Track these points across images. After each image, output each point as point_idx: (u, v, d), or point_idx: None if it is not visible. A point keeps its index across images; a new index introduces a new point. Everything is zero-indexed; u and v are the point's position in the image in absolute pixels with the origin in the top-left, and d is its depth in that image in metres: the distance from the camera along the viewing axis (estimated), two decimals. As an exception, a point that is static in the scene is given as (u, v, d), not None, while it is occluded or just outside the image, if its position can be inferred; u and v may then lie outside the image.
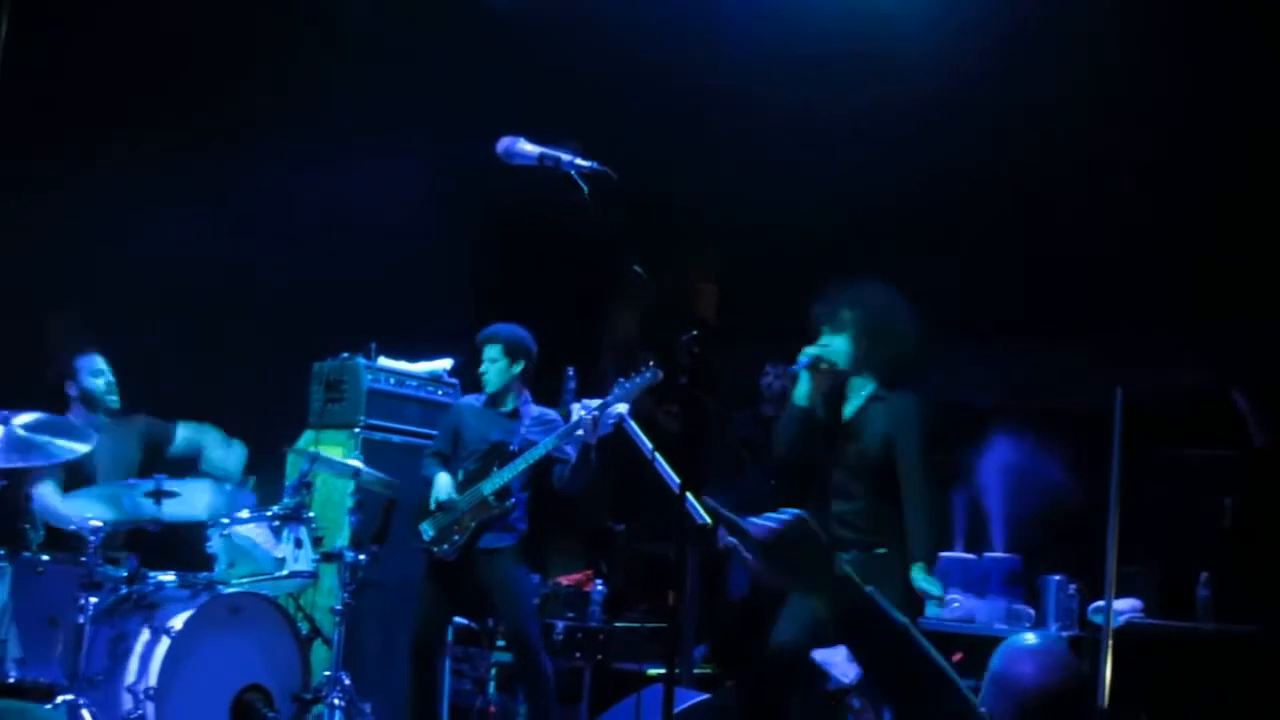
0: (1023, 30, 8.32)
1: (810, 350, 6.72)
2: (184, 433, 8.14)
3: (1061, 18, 8.19)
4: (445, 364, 9.23)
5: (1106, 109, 8.51)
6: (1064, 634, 7.31)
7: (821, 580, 2.74)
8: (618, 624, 8.65)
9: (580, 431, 7.28)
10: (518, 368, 7.75)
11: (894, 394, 6.77)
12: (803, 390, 6.78)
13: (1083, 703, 3.25)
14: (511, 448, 7.53)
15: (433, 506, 7.57)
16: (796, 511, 2.76)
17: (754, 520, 2.77)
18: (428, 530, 7.56)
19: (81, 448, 6.98)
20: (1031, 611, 7.50)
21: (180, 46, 8.72)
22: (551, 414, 7.77)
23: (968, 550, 8.08)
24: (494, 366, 7.74)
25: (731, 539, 2.80)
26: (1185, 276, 8.46)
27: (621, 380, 7.26)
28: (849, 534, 6.76)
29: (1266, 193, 8.10)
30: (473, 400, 8.00)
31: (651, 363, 7.24)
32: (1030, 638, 3.27)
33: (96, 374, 7.83)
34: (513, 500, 7.51)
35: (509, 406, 7.76)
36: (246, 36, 9.03)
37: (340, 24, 9.42)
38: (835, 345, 6.81)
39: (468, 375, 8.62)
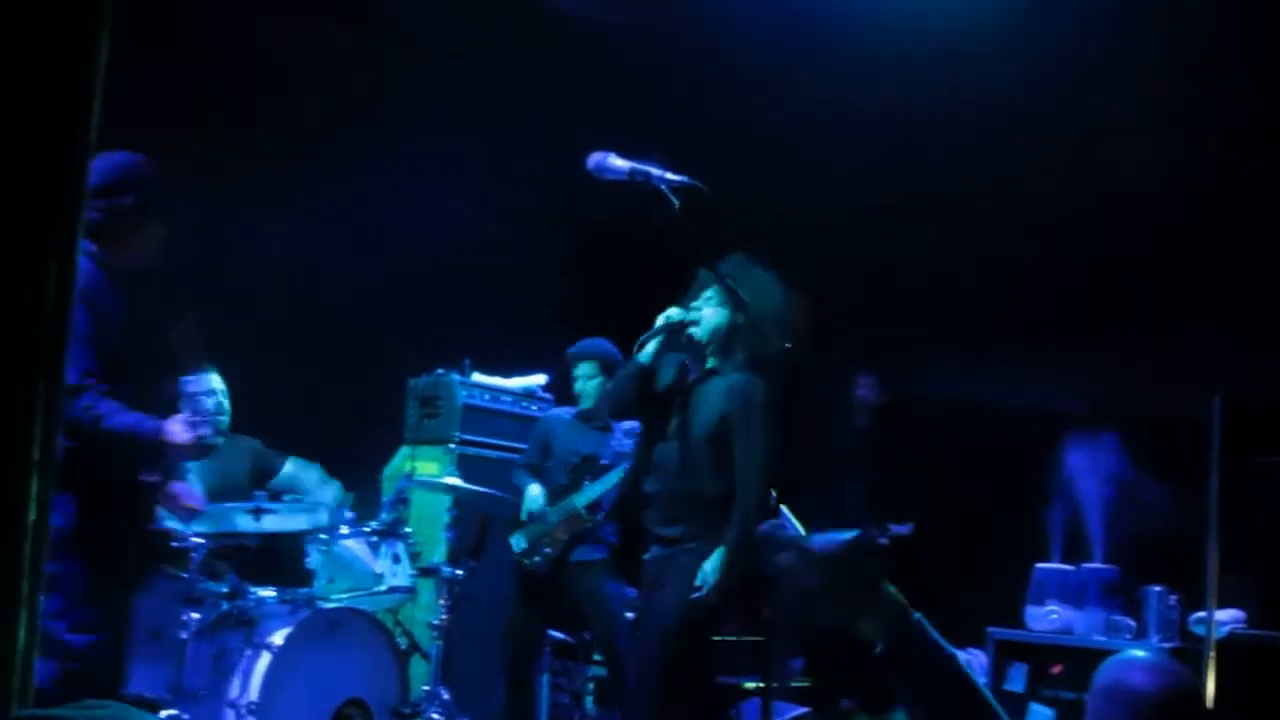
0: (1104, 26, 8.26)
1: (674, 313, 6.20)
2: (290, 468, 8.09)
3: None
4: (539, 379, 9.27)
5: (1188, 111, 8.42)
6: (1165, 645, 7.24)
7: (874, 602, 2.75)
8: (714, 638, 8.62)
9: None
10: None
11: (736, 374, 6.17)
12: (649, 351, 6.20)
13: (1198, 709, 3.26)
14: (603, 460, 7.55)
15: (524, 518, 7.61)
16: (856, 531, 2.76)
17: (818, 536, 2.77)
18: (519, 542, 7.60)
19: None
20: (1132, 623, 7.42)
21: (279, 67, 8.81)
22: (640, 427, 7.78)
23: (1065, 561, 8.01)
24: (590, 384, 7.78)
25: (786, 558, 2.77)
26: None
27: None
28: (651, 517, 6.22)
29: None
30: (563, 413, 8.04)
31: None
32: (1140, 652, 3.29)
33: (208, 394, 7.81)
34: (604, 514, 7.53)
35: (600, 422, 7.78)
36: (344, 57, 9.11)
37: (434, 43, 9.48)
38: (705, 316, 6.23)
39: (561, 390, 8.65)
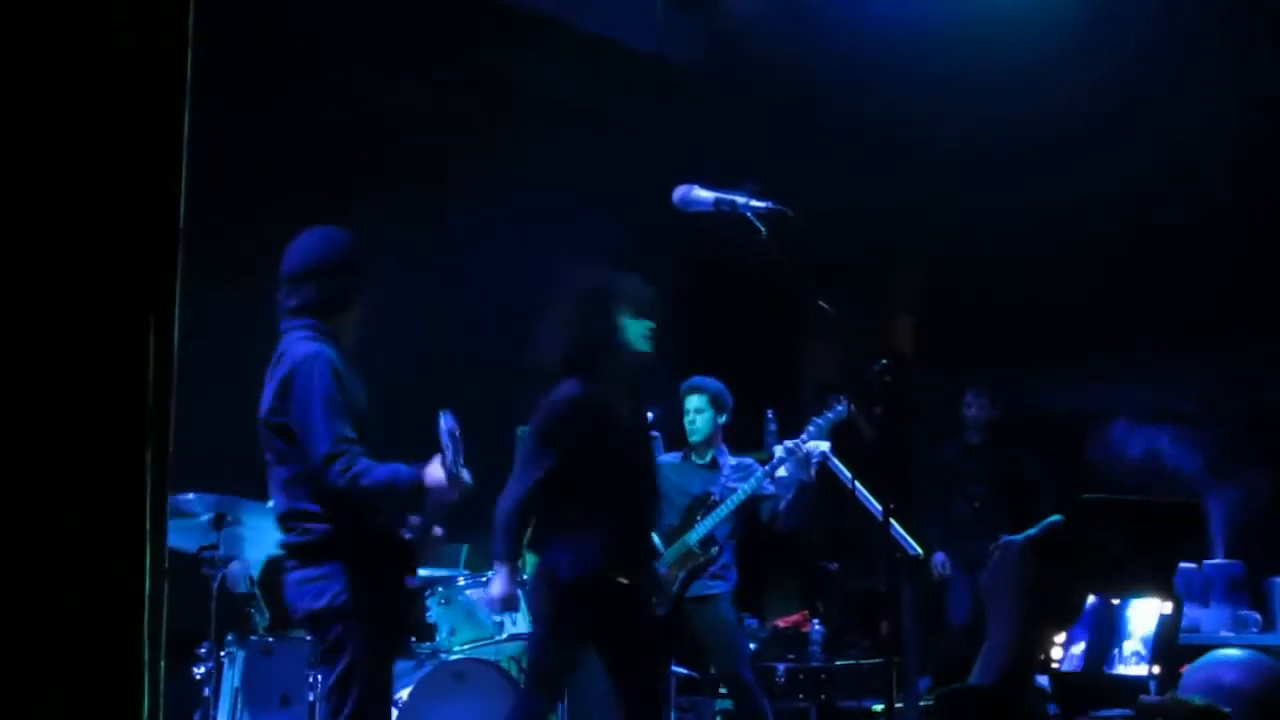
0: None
1: None
2: None
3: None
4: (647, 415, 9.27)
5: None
6: (1293, 636, 7.15)
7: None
8: (838, 662, 8.61)
9: (783, 471, 7.33)
10: (722, 419, 7.84)
11: None
12: None
13: None
14: (714, 497, 7.58)
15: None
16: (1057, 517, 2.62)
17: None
18: None
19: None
20: (1258, 616, 7.33)
21: (377, 120, 8.94)
22: (748, 461, 7.80)
23: (1188, 559, 7.92)
24: (701, 416, 7.81)
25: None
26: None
27: (815, 419, 7.30)
28: None
29: None
30: (671, 458, 8.09)
31: (841, 398, 7.25)
32: (1233, 650, 3.19)
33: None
34: (718, 548, 7.55)
35: (707, 459, 7.82)
36: (439, 108, 9.24)
37: (528, 90, 9.59)
38: None
39: (669, 427, 8.66)
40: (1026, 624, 2.22)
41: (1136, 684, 2.63)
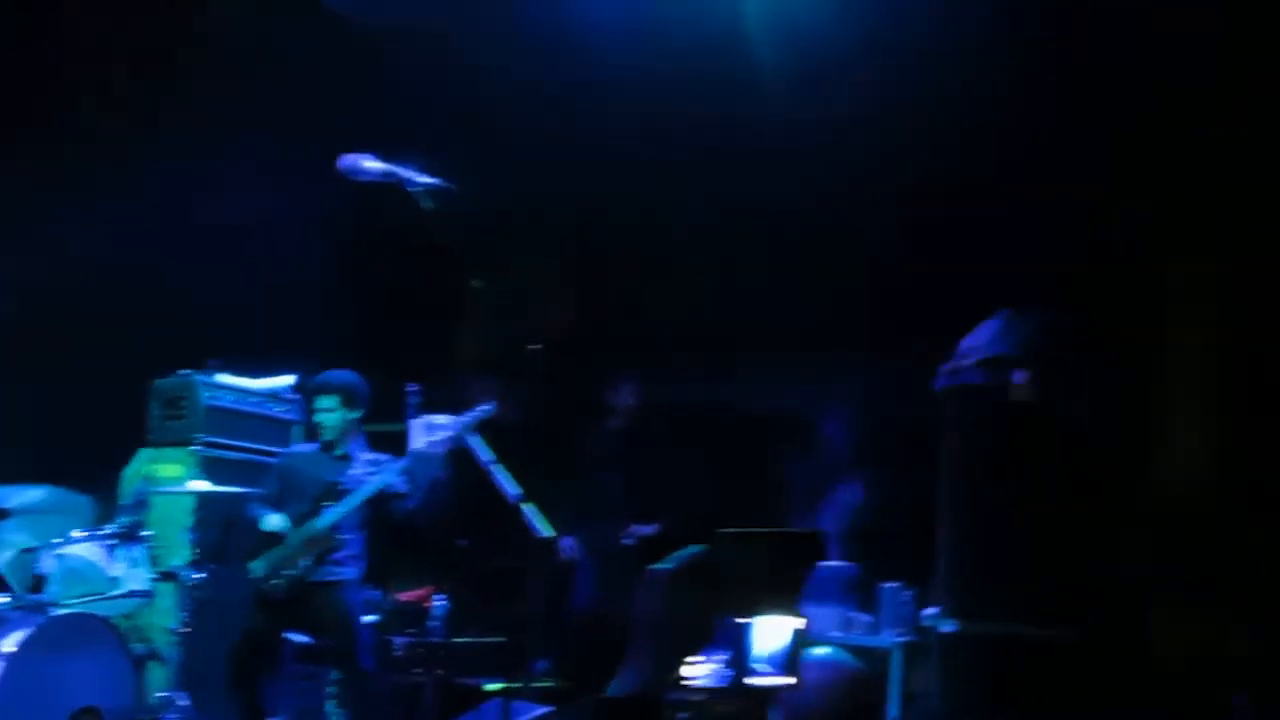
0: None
1: None
2: None
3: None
4: (287, 380, 9.16)
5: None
6: (900, 639, 7.45)
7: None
8: (458, 639, 8.65)
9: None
10: (354, 414, 7.80)
11: None
12: None
13: (860, 700, 3.32)
14: (343, 487, 7.56)
15: (263, 529, 7.59)
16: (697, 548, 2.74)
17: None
18: (258, 568, 7.54)
19: None
20: (868, 618, 7.62)
21: (33, 51, 8.63)
22: (383, 457, 7.79)
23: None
24: (330, 415, 7.77)
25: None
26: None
27: (460, 416, 7.36)
28: None
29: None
30: (307, 448, 8.07)
31: (487, 399, 7.36)
32: (817, 649, 3.34)
33: None
34: (342, 536, 7.53)
35: (340, 451, 7.78)
36: (100, 42, 8.94)
37: (198, 32, 9.34)
38: None
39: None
40: (664, 646, 2.31)
41: (772, 693, 2.74)
